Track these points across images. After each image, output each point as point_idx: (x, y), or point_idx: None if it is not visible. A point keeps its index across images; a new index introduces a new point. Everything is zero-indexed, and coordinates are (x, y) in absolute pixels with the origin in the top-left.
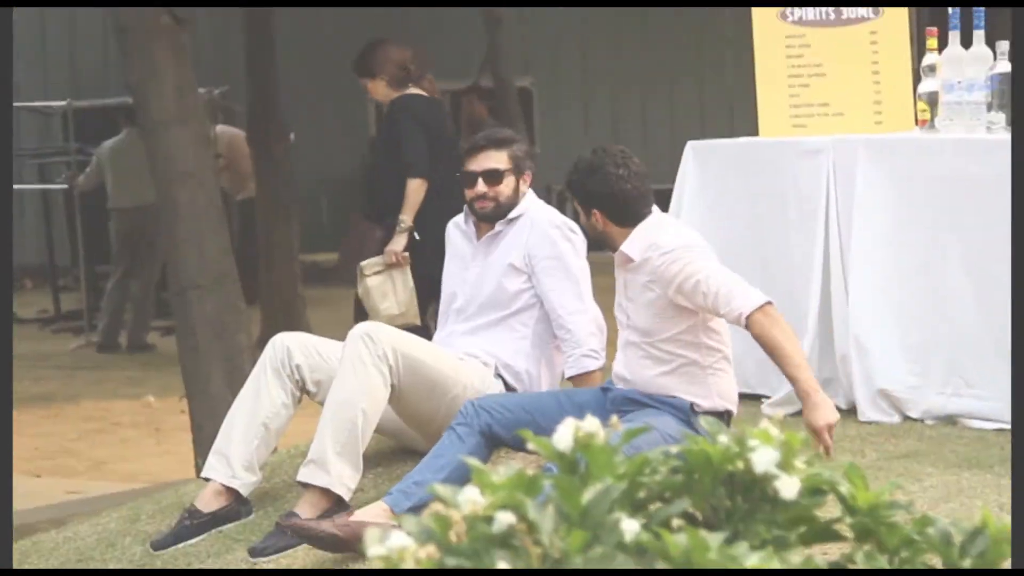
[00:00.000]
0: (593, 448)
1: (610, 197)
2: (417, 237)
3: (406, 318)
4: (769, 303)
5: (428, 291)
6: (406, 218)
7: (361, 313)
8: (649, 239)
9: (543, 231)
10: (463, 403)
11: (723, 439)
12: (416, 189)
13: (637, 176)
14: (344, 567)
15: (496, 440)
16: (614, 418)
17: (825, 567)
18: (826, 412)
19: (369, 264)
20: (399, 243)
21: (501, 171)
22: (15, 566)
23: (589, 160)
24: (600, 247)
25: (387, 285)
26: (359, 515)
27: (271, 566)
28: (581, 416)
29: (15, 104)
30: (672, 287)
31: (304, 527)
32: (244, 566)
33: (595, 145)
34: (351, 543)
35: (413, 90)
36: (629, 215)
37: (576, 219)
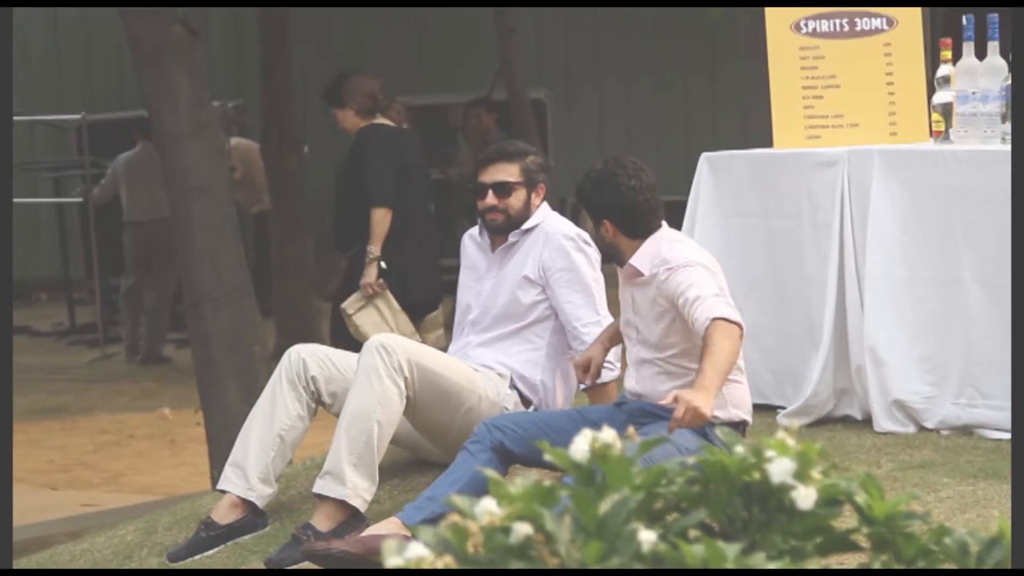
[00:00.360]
0: (610, 459)
1: (621, 208)
2: (384, 266)
3: None
4: (738, 324)
5: (409, 315)
6: (374, 248)
7: (339, 343)
8: (659, 253)
9: (557, 243)
10: (478, 414)
11: (739, 450)
12: (381, 219)
13: (648, 188)
14: None
15: (509, 457)
16: (631, 428)
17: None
18: (699, 396)
19: (350, 303)
20: (371, 274)
21: (511, 184)
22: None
23: (600, 171)
24: (610, 260)
25: (375, 316)
26: (371, 531)
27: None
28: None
29: (30, 118)
30: (673, 302)
31: (316, 550)
32: None
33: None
34: (364, 559)
35: (381, 120)
36: (639, 227)
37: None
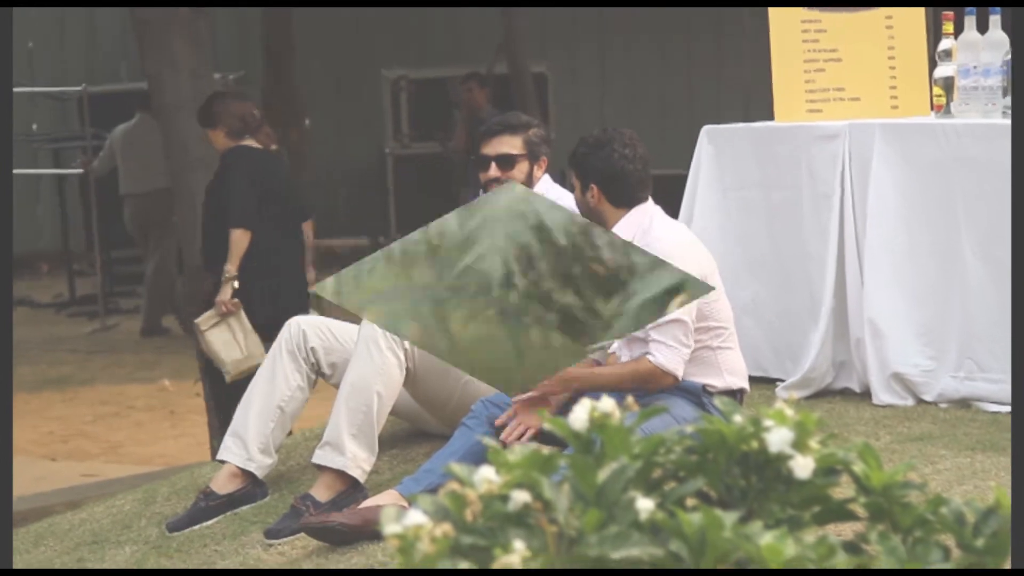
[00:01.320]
0: (608, 428)
1: (611, 174)
2: (236, 286)
3: (253, 359)
4: (674, 377)
5: (262, 336)
6: (231, 268)
7: (209, 363)
8: (641, 224)
9: None
10: (477, 386)
11: (738, 419)
12: (239, 239)
13: (641, 160)
14: (356, 548)
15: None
16: (630, 398)
17: (839, 547)
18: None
19: (203, 319)
20: (225, 293)
21: (514, 156)
22: (30, 547)
23: (597, 136)
24: None
25: (226, 334)
26: (369, 503)
27: (285, 547)
28: None
29: (31, 89)
30: None
31: (313, 524)
32: (259, 548)
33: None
34: (361, 530)
35: (248, 142)
36: (626, 196)
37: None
